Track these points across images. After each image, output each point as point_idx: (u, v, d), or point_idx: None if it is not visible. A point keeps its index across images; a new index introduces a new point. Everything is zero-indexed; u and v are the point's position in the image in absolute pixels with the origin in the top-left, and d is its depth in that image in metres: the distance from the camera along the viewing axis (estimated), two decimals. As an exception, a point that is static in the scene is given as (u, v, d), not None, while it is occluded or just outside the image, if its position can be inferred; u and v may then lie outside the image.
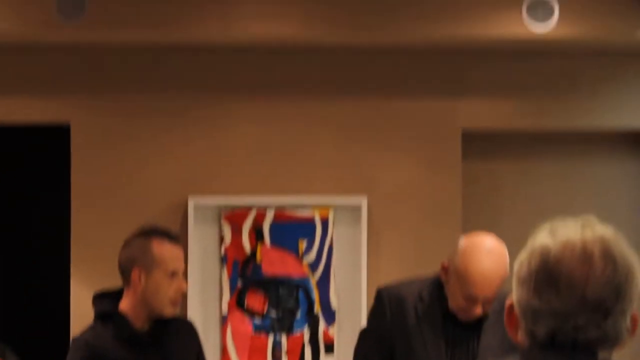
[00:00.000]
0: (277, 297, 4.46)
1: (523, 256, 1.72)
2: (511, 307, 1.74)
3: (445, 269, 3.33)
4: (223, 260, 4.46)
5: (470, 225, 4.59)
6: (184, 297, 4.24)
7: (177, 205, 4.52)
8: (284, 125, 4.60)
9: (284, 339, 4.45)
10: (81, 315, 4.42)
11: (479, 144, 4.74)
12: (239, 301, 4.45)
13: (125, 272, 3.44)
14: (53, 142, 4.68)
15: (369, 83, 4.62)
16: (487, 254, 3.22)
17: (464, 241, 3.29)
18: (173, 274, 3.41)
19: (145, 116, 4.58)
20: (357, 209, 4.50)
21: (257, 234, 4.47)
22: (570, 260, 1.65)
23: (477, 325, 3.36)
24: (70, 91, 4.56)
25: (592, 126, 4.67)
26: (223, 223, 4.46)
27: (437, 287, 3.41)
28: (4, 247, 4.96)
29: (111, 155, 4.57)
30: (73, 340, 3.42)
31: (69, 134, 4.56)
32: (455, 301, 3.29)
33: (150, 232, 3.47)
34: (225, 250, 4.45)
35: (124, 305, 3.45)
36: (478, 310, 3.25)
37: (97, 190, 4.54)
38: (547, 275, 1.66)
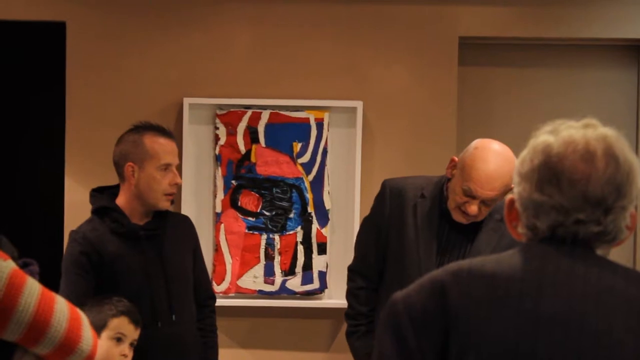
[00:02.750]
0: (271, 197, 4.48)
1: (525, 153, 1.76)
2: (512, 202, 1.79)
3: (453, 162, 3.36)
4: (217, 159, 4.47)
5: (465, 131, 4.61)
6: (179, 195, 4.29)
7: (172, 104, 4.52)
8: (282, 27, 4.57)
9: (277, 238, 4.49)
10: (74, 209, 4.47)
11: (475, 52, 4.72)
12: (232, 200, 4.48)
13: (119, 167, 3.48)
14: (49, 40, 4.66)
15: (367, -14, 4.59)
16: (496, 156, 3.25)
17: (478, 140, 3.32)
18: (166, 167, 3.45)
19: (142, 16, 4.55)
20: (352, 112, 4.50)
21: (251, 134, 4.47)
22: (573, 157, 1.69)
23: (472, 230, 3.40)
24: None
25: (589, 36, 4.64)
26: (218, 123, 4.46)
27: (439, 187, 3.44)
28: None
29: (107, 55, 4.55)
30: (71, 233, 3.48)
31: (65, 32, 4.54)
32: (454, 197, 3.31)
33: (142, 127, 3.51)
34: (220, 149, 4.47)
35: (120, 200, 3.50)
36: (473, 209, 3.27)
37: (92, 88, 4.53)
38: (550, 171, 1.70)
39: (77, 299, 3.19)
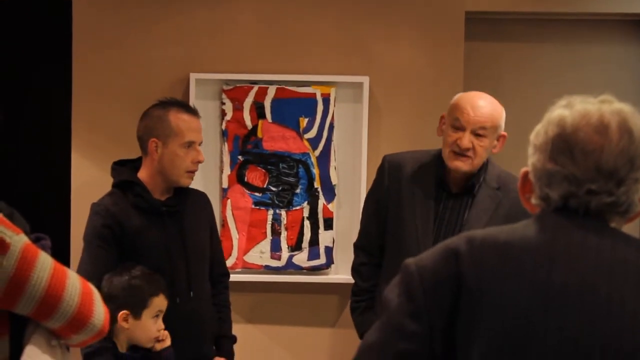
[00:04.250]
0: (278, 173, 4.48)
1: (539, 126, 1.79)
2: (526, 174, 1.82)
3: (442, 119, 3.46)
4: (224, 134, 4.46)
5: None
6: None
7: (178, 80, 4.51)
8: (288, 2, 4.55)
9: (283, 214, 4.50)
10: (81, 183, 4.48)
11: (482, 27, 4.71)
12: (239, 176, 4.48)
13: (143, 142, 3.49)
14: (55, 15, 4.65)
15: (374, -39, 4.56)
16: (479, 94, 3.44)
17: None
18: (189, 145, 3.46)
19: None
20: (358, 87, 4.49)
21: (258, 110, 4.46)
22: (587, 129, 1.71)
23: (469, 197, 3.45)
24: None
25: (596, 10, 4.63)
26: (224, 98, 4.45)
27: (436, 158, 3.49)
28: (7, 119, 4.96)
29: (113, 30, 4.53)
30: (93, 205, 3.49)
31: (71, 8, 4.53)
32: (446, 141, 3.43)
33: (168, 103, 3.52)
34: (227, 125, 4.46)
35: (142, 174, 3.51)
36: (465, 142, 3.35)
37: (98, 64, 4.52)
38: (563, 142, 1.72)
39: (99, 272, 3.25)
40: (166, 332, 3.29)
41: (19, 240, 1.98)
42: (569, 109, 1.74)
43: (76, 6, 4.51)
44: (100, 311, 2.12)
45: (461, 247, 1.70)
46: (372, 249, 3.67)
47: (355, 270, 3.75)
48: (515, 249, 1.67)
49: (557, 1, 4.59)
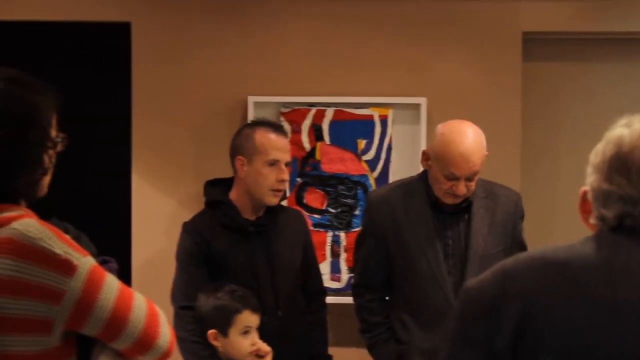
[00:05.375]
0: (336, 194, 4.49)
1: (599, 146, 1.78)
2: (584, 194, 1.80)
3: (426, 155, 3.45)
4: (283, 157, 4.48)
5: (530, 128, 4.57)
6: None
7: (237, 103, 4.54)
8: (345, 25, 4.57)
9: (342, 235, 4.50)
10: (141, 206, 4.52)
11: (540, 47, 4.68)
12: (298, 198, 4.50)
13: (232, 160, 3.56)
14: (114, 40, 4.71)
15: (430, -18, 4.57)
16: (463, 134, 3.38)
17: (441, 126, 3.44)
18: (273, 163, 3.49)
19: (206, 15, 4.58)
20: (416, 108, 4.49)
21: (316, 132, 4.48)
22: None
23: (463, 213, 3.51)
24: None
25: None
26: (282, 121, 4.48)
27: (421, 182, 3.52)
28: (67, 144, 5.00)
29: (172, 54, 4.59)
30: (184, 225, 3.58)
31: (129, 33, 4.59)
32: (438, 185, 3.42)
33: (257, 123, 3.61)
34: (285, 147, 4.48)
35: (233, 194, 3.57)
36: (462, 189, 3.39)
37: (157, 88, 4.58)
38: (620, 161, 1.71)
39: (193, 289, 3.30)
40: (268, 349, 3.30)
41: (86, 262, 2.00)
42: (628, 128, 1.73)
43: (135, 31, 4.58)
44: (166, 332, 2.13)
45: (519, 268, 1.69)
46: (376, 285, 3.67)
47: (363, 307, 3.72)
48: (574, 267, 1.66)
49: (616, 20, 4.55)
